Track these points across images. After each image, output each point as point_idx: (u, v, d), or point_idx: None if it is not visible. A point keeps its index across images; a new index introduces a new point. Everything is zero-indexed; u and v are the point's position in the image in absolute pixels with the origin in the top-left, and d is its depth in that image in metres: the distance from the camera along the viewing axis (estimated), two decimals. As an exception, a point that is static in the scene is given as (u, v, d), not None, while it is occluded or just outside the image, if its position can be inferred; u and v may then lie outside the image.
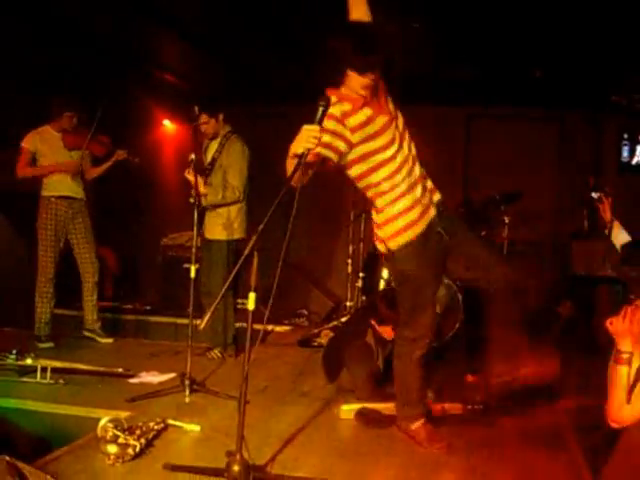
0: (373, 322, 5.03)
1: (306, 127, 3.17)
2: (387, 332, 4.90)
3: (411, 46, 6.55)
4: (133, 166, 6.79)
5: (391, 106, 3.74)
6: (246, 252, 3.06)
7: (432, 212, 3.80)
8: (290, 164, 3.28)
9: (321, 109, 3.16)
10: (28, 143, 6.29)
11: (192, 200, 5.00)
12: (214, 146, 6.04)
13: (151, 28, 7.05)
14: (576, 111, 8.21)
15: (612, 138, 8.40)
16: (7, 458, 2.23)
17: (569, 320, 6.22)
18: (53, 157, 6.34)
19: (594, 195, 4.12)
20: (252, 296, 3.10)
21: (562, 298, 6.63)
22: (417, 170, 3.77)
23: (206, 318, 2.88)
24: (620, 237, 4.20)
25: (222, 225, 5.94)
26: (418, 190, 3.73)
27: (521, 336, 6.28)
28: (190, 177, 5.20)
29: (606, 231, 4.14)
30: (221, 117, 5.97)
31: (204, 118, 5.89)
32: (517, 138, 8.41)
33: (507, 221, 6.99)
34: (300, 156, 3.15)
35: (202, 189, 5.62)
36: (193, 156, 5.05)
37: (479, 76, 7.53)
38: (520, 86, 7.71)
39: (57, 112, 6.36)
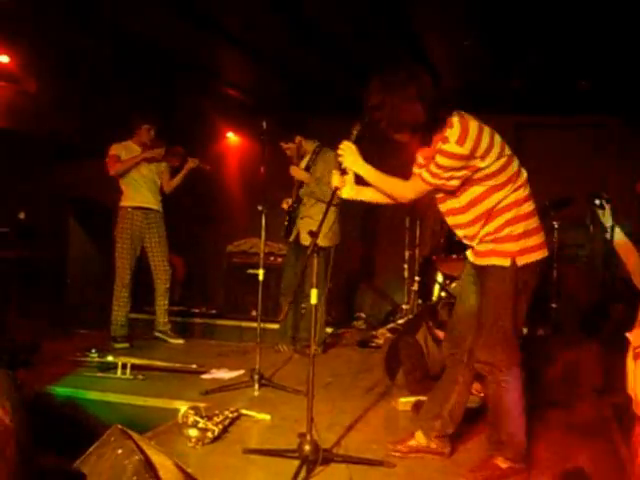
0: (430, 324, 5.29)
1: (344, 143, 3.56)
2: (442, 334, 5.13)
3: (462, 61, 6.83)
4: (204, 174, 7.17)
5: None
6: (308, 252, 3.42)
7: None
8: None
9: (355, 132, 3.53)
10: (115, 150, 6.69)
11: (260, 208, 5.25)
12: (303, 164, 6.47)
13: (217, 45, 7.44)
14: (621, 118, 8.30)
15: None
16: (119, 426, 2.56)
17: (619, 321, 6.39)
18: (134, 169, 6.73)
19: (596, 202, 4.24)
20: (314, 292, 3.42)
21: (614, 300, 6.79)
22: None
23: (285, 310, 3.21)
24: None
25: (322, 232, 6.13)
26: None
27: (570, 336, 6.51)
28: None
29: (607, 236, 4.23)
30: (298, 139, 6.39)
31: (285, 144, 6.38)
32: (564, 145, 8.54)
33: (556, 226, 7.19)
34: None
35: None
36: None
37: (528, 86, 7.73)
38: (567, 96, 7.90)
39: (135, 125, 6.77)
